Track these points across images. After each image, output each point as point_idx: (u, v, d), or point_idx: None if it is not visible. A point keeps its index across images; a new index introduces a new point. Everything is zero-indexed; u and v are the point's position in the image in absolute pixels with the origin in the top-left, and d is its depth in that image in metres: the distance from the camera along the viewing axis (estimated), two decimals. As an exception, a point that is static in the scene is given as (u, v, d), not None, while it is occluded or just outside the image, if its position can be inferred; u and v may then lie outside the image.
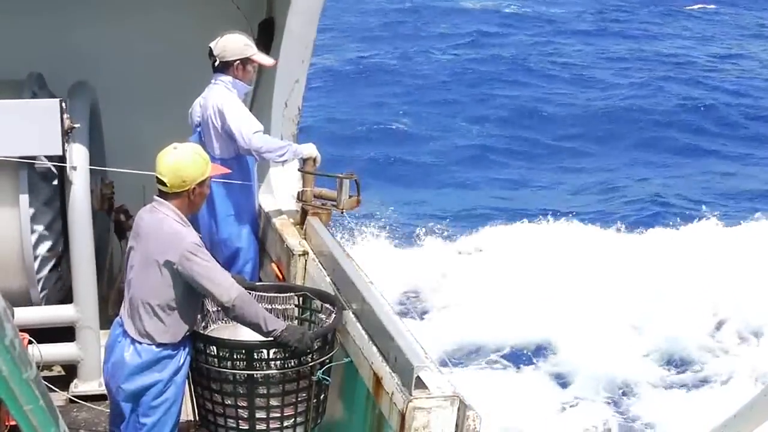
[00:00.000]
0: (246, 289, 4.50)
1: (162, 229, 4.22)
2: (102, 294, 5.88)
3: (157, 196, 4.30)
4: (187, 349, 4.36)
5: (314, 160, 5.76)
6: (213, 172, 4.42)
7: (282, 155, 5.64)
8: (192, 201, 4.30)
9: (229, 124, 5.53)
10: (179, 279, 4.20)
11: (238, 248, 5.84)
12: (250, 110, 5.90)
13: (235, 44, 5.62)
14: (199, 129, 5.74)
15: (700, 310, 12.06)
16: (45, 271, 5.55)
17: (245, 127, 5.52)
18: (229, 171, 5.22)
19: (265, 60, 5.80)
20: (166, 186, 4.22)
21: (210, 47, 5.63)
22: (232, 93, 5.63)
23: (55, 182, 5.57)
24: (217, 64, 5.64)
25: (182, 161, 4.23)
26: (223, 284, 4.20)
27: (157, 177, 4.25)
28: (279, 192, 6.43)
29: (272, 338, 4.24)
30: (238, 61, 5.62)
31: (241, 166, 5.73)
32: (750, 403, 2.66)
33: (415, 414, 3.86)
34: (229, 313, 4.29)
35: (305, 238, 5.82)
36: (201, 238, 5.76)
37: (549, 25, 31.98)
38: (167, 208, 4.25)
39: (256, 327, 4.26)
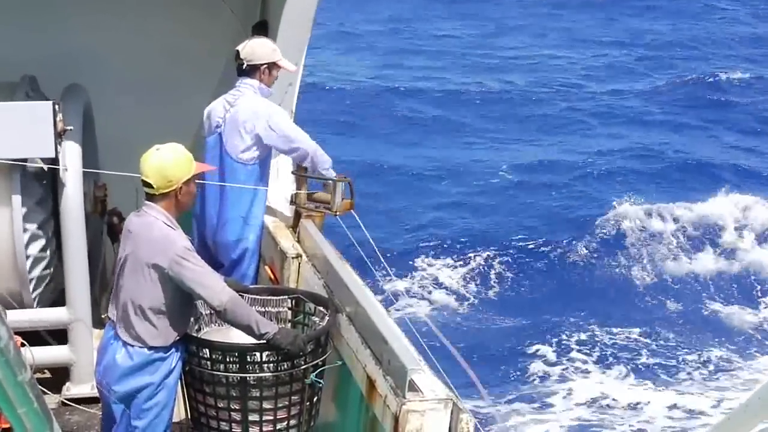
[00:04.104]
0: (239, 291, 4.49)
1: (152, 234, 4.21)
2: (95, 296, 5.87)
3: (146, 199, 4.30)
4: (179, 353, 4.35)
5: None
6: (198, 170, 4.40)
7: (327, 168, 5.72)
8: (180, 200, 4.28)
9: (283, 131, 5.59)
10: (170, 283, 4.20)
11: (245, 251, 5.80)
12: None
13: (264, 49, 5.64)
14: (219, 130, 5.71)
15: None
16: (37, 274, 5.54)
17: (293, 134, 5.62)
18: (214, 168, 5.21)
19: (289, 65, 5.80)
20: (153, 188, 4.22)
21: (237, 50, 5.63)
22: (260, 97, 5.64)
23: (49, 185, 5.56)
24: (244, 67, 5.63)
25: (166, 161, 4.22)
26: (214, 288, 4.19)
27: (142, 180, 4.24)
28: (272, 194, 6.42)
29: (265, 341, 4.24)
30: (265, 66, 5.63)
31: (261, 170, 5.72)
32: (743, 404, 2.67)
33: (408, 417, 3.86)
34: (221, 316, 4.29)
35: (299, 241, 5.82)
36: (201, 238, 5.78)
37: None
38: (156, 212, 4.24)
39: (248, 330, 4.25)
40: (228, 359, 4.30)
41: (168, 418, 4.43)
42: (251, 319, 4.24)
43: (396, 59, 28.66)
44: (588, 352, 12.79)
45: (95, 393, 5.38)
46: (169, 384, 4.35)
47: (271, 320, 4.69)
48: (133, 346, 4.26)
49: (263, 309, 4.82)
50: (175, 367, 4.34)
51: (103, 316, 5.80)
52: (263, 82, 5.66)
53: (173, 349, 4.32)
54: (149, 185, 4.22)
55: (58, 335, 5.68)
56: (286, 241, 5.78)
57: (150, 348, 4.25)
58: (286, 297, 4.94)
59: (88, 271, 5.60)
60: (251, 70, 5.64)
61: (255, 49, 5.63)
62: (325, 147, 5.75)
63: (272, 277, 5.79)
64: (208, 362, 4.34)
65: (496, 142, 21.72)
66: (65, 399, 5.55)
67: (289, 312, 4.92)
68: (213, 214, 5.73)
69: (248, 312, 4.29)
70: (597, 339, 13.17)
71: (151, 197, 4.27)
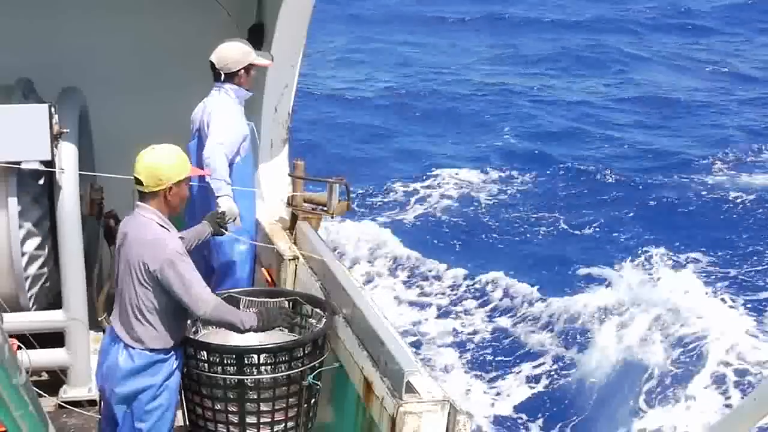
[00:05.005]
0: (235, 294, 4.48)
1: (145, 235, 4.20)
2: (91, 299, 5.86)
3: (138, 199, 4.30)
4: (180, 355, 4.35)
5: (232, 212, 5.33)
6: (192, 174, 4.42)
7: (214, 179, 5.34)
8: (168, 201, 4.28)
9: (211, 128, 5.50)
10: (162, 286, 4.19)
11: (237, 253, 5.78)
12: None
13: (236, 53, 5.60)
14: (198, 133, 5.71)
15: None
16: (34, 276, 5.53)
17: (216, 135, 5.43)
18: (208, 173, 5.20)
19: (264, 61, 5.78)
20: (143, 185, 4.23)
21: (211, 61, 5.60)
22: (233, 99, 5.61)
23: (45, 187, 5.55)
24: (222, 78, 5.59)
25: (159, 161, 4.23)
26: (200, 296, 4.17)
27: (135, 177, 4.26)
28: (269, 197, 6.42)
29: (254, 331, 4.28)
30: (241, 70, 5.62)
31: (242, 170, 5.66)
32: (739, 406, 2.68)
33: (405, 418, 3.86)
34: (207, 323, 4.32)
35: (295, 243, 5.81)
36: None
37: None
38: (149, 212, 4.24)
39: (235, 329, 4.28)
40: (225, 361, 4.30)
41: (171, 419, 4.42)
42: (235, 319, 4.25)
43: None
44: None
45: (92, 396, 5.39)
46: (171, 386, 4.34)
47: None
48: (134, 348, 4.25)
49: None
50: (176, 369, 4.34)
51: (99, 319, 5.81)
52: (242, 85, 5.64)
53: (174, 352, 4.31)
54: (140, 182, 4.23)
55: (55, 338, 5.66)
56: (283, 243, 5.78)
57: (151, 350, 4.25)
58: (283, 299, 4.92)
59: (85, 273, 5.59)
60: (229, 77, 5.62)
61: (228, 56, 5.57)
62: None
63: (269, 279, 5.79)
64: (206, 364, 4.33)
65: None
66: (62, 402, 5.53)
67: (286, 314, 4.91)
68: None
69: (231, 314, 4.29)
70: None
71: (142, 196, 4.27)
